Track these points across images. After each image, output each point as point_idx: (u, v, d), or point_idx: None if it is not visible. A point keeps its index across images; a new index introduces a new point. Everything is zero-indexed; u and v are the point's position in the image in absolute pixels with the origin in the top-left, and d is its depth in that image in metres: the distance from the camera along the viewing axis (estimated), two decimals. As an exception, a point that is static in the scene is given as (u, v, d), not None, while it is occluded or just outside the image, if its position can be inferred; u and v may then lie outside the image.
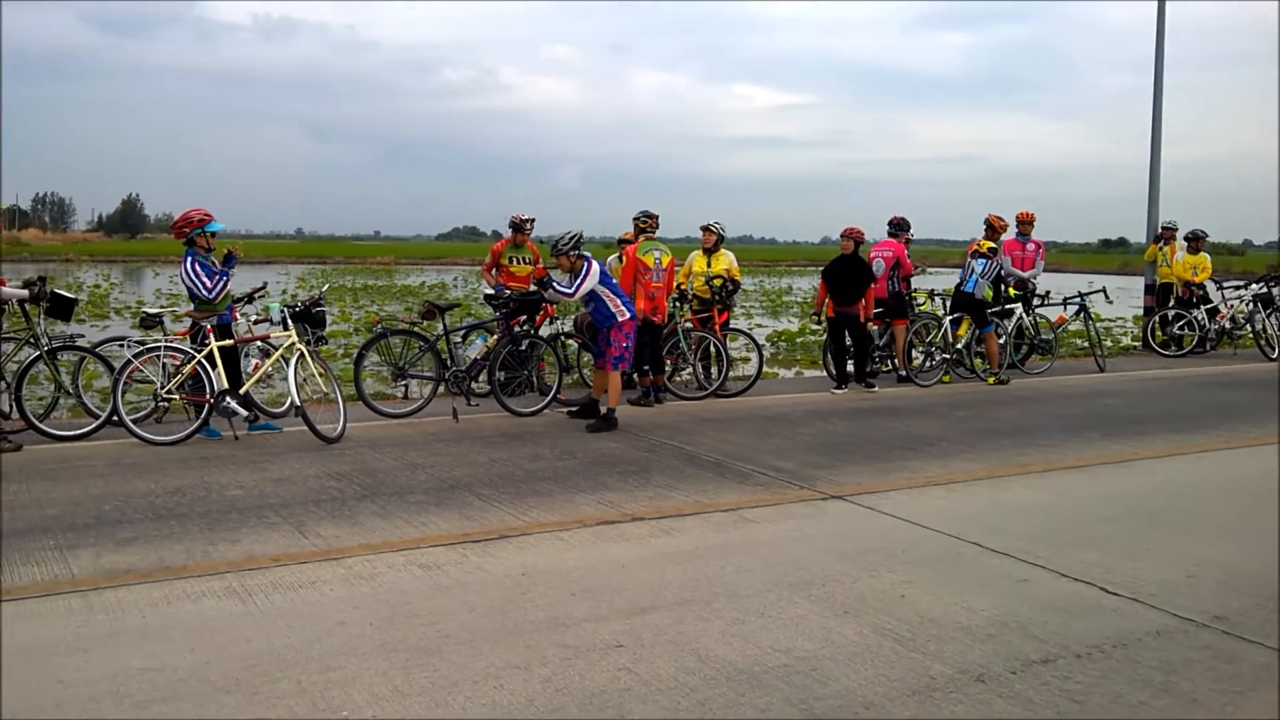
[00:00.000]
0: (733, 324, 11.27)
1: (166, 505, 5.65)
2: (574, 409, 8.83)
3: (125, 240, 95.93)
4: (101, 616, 3.97)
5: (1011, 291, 12.28)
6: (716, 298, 10.34)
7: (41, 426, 7.48)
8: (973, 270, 11.45)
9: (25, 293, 7.38)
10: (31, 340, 7.61)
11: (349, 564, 4.64)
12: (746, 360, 12.06)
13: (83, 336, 8.25)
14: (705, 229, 10.58)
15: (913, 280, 12.11)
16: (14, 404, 7.46)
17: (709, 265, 10.49)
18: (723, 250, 10.65)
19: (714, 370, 10.50)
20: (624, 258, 9.78)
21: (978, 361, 11.75)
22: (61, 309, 7.81)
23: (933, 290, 12.95)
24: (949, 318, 11.59)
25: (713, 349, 10.55)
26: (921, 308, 12.38)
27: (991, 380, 11.36)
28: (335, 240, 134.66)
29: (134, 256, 65.53)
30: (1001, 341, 11.81)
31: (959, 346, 11.65)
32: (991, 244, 11.90)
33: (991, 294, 11.73)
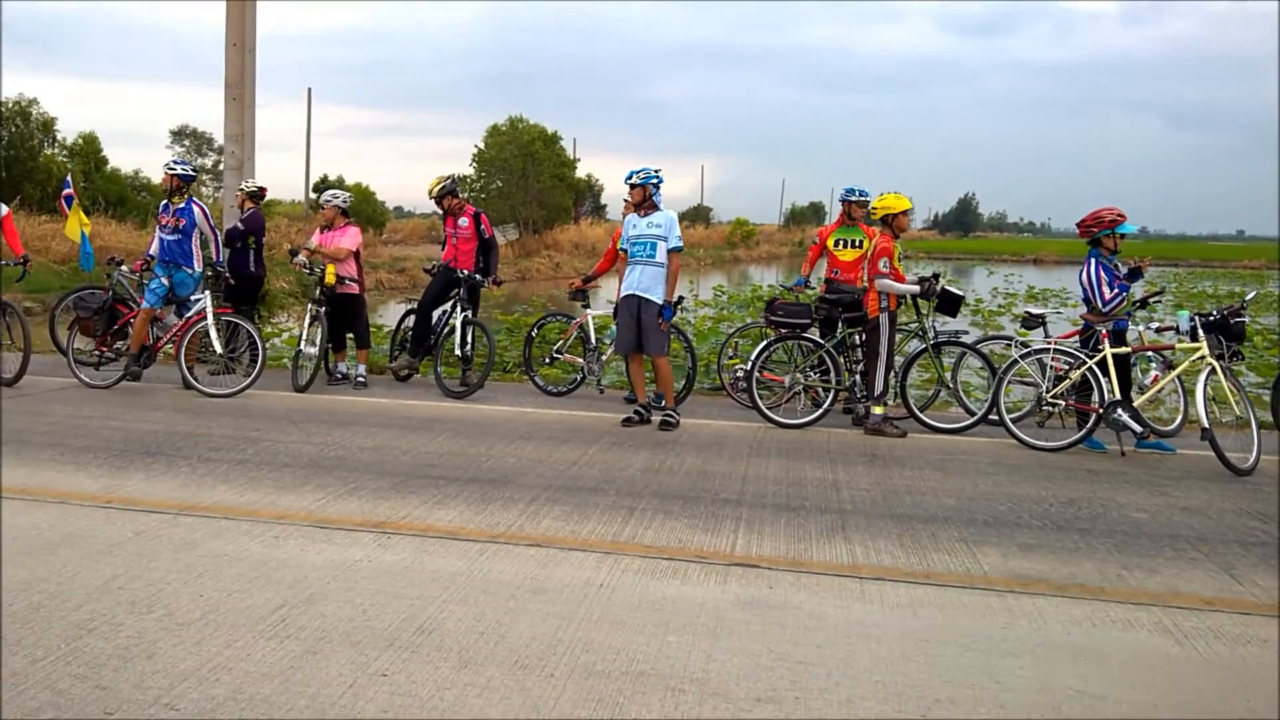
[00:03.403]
0: None
1: (1064, 516, 5.73)
2: None
3: (957, 239, 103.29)
4: (1024, 623, 4.13)
5: None
6: None
7: (922, 417, 8.29)
8: None
9: (917, 288, 8.20)
10: (919, 333, 8.47)
11: (1307, 629, 4.10)
12: None
13: (966, 333, 8.90)
14: None
15: None
16: (899, 393, 8.40)
17: None
18: None
19: None
20: None
21: None
22: (949, 305, 8.52)
23: None
24: None
25: None
26: None
27: None
28: (1186, 240, 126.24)
29: (966, 254, 70.35)
30: None
31: None
32: None
33: None
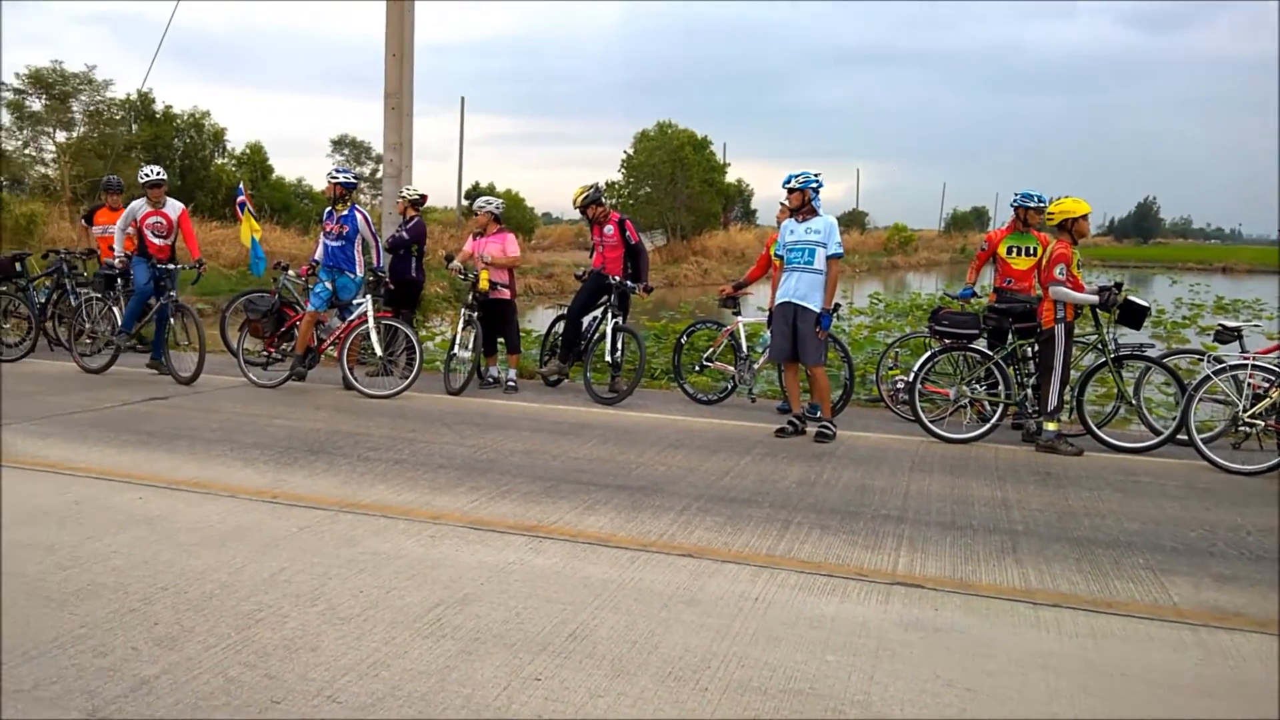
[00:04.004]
0: None
1: (1264, 546, 5.37)
2: None
3: (1136, 245, 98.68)
4: (1220, 660, 3.88)
5: None
6: None
7: (1101, 434, 7.91)
8: None
9: (1095, 298, 7.82)
10: (1099, 346, 8.08)
11: None
12: None
13: (1153, 346, 8.45)
14: None
15: None
16: (1075, 408, 8.03)
17: None
18: None
19: None
20: None
21: None
22: (1132, 317, 8.10)
23: None
24: None
25: None
26: None
27: None
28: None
29: (1145, 262, 67.08)
30: None
31: None
32: None
33: None
